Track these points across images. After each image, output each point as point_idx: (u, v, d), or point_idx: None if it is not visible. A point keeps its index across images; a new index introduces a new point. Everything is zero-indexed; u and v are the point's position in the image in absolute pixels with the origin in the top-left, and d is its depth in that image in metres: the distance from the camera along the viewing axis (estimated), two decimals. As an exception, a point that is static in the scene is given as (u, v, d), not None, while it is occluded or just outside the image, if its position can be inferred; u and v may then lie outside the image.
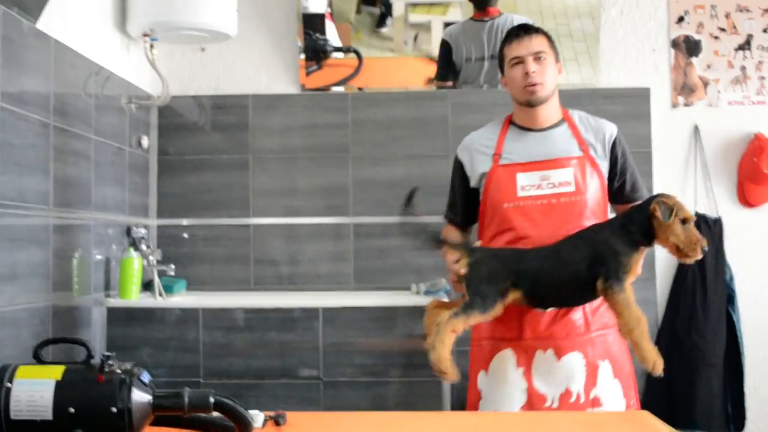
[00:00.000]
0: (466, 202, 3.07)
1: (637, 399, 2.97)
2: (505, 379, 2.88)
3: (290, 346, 3.61)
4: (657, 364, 2.52)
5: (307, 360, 3.59)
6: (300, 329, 3.62)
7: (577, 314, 2.86)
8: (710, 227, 4.22)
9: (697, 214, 4.22)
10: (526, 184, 2.91)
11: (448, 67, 4.39)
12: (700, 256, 2.55)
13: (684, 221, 2.54)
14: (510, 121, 3.03)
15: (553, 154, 2.91)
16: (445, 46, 4.38)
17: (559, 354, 2.85)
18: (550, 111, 2.95)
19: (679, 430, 2.25)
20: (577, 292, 2.65)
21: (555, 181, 2.89)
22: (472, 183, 3.02)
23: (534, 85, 2.88)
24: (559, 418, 2.39)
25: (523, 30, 2.94)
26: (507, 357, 2.89)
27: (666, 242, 2.57)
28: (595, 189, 2.85)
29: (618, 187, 2.95)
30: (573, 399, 2.87)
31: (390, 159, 4.33)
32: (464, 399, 3.95)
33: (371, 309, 3.59)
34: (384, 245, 4.21)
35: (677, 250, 2.57)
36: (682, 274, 4.22)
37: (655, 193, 2.71)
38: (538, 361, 2.83)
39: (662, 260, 4.25)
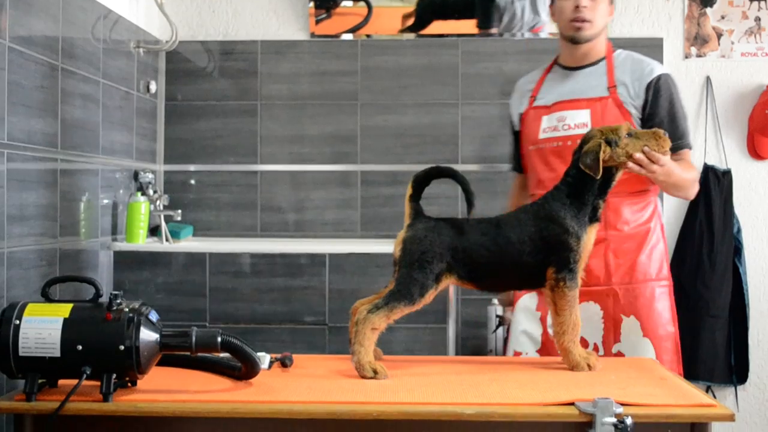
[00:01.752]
0: (515, 146, 3.06)
1: (678, 365, 2.87)
2: (523, 324, 2.91)
3: (296, 292, 3.63)
4: (591, 365, 2.31)
5: (313, 305, 3.61)
6: (306, 275, 3.64)
7: (598, 262, 2.82)
8: (719, 179, 4.21)
9: (707, 165, 4.21)
10: (547, 126, 2.88)
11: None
12: (666, 145, 2.39)
13: (627, 135, 2.34)
14: (555, 61, 3.00)
15: (575, 93, 2.86)
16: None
17: None
18: (592, 50, 2.88)
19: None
20: (522, 279, 2.37)
21: (571, 123, 2.85)
22: (515, 125, 3.02)
23: (582, 21, 2.80)
24: (554, 362, 2.40)
25: None
26: (528, 301, 2.93)
27: (632, 159, 2.35)
28: None
29: None
30: (590, 349, 2.88)
31: (399, 107, 4.32)
32: (469, 346, 4.02)
33: (377, 255, 3.61)
34: (391, 193, 4.24)
35: (644, 159, 2.38)
36: (689, 225, 4.23)
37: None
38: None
39: (669, 210, 4.26)
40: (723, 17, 4.33)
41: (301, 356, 2.50)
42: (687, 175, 2.75)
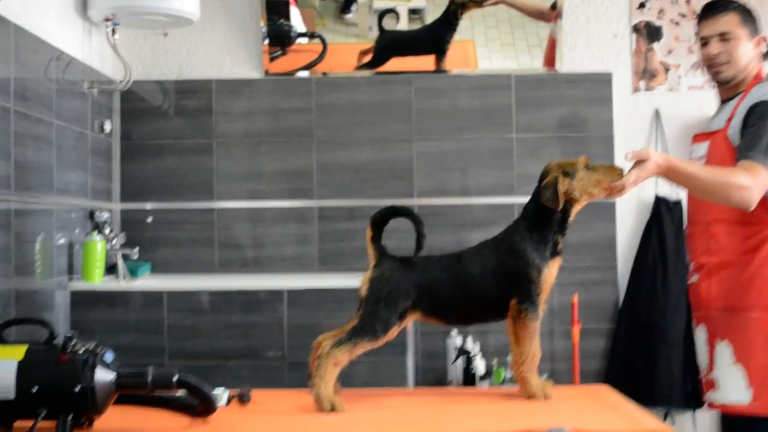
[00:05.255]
0: None
1: None
2: None
3: (255, 328, 3.61)
4: (547, 395, 2.34)
5: (272, 341, 3.60)
6: (265, 311, 3.63)
7: (702, 283, 2.93)
8: (670, 209, 4.26)
9: (658, 198, 4.27)
10: (689, 158, 3.04)
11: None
12: (624, 176, 2.38)
13: (584, 168, 2.35)
14: None
15: (710, 126, 2.97)
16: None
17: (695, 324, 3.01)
18: (741, 83, 2.95)
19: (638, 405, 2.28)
20: (486, 312, 2.39)
21: (696, 156, 2.98)
22: None
23: (719, 65, 2.92)
24: (511, 393, 2.41)
25: (711, 7, 2.95)
26: None
27: (589, 195, 2.36)
28: (725, 165, 2.77)
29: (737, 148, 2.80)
30: (701, 375, 3.00)
31: (354, 143, 4.33)
32: (428, 377, 4.03)
33: (335, 290, 3.61)
34: (348, 228, 4.25)
35: (603, 190, 2.36)
36: (643, 256, 4.27)
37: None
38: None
39: (624, 243, 4.31)
40: (670, 52, 4.42)
41: (261, 391, 2.48)
42: (720, 178, 2.65)
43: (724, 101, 3.01)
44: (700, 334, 3.00)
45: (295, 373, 3.52)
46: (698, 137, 3.06)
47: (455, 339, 4.02)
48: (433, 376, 4.07)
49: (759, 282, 2.83)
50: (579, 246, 4.16)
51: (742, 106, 2.85)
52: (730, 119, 2.86)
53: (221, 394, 2.31)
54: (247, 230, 4.30)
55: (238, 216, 4.31)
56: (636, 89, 4.42)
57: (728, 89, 2.99)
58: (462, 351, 3.95)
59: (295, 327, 3.59)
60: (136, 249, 3.99)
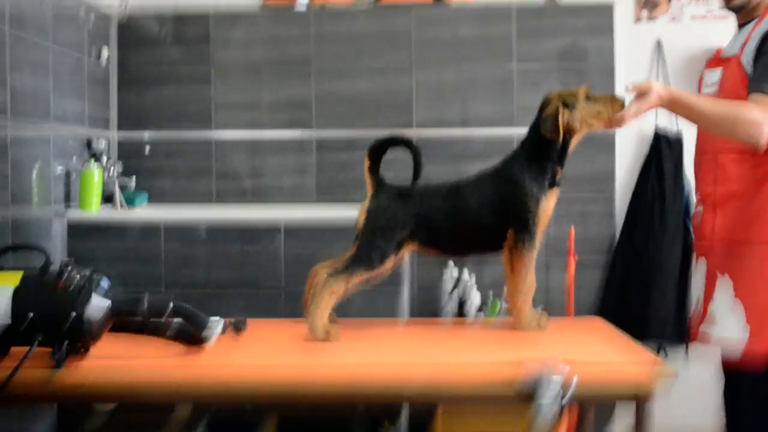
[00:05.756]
0: None
1: None
2: None
3: (252, 258, 3.62)
4: (541, 326, 2.37)
5: (269, 271, 3.61)
6: (262, 242, 3.63)
7: (707, 214, 2.88)
8: (671, 144, 4.23)
9: (658, 130, 4.24)
10: (703, 83, 2.97)
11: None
12: (625, 108, 2.37)
13: (585, 99, 2.35)
14: None
15: (725, 52, 2.88)
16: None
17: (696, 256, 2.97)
18: (755, 8, 2.85)
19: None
20: (483, 242, 2.41)
21: (708, 82, 2.91)
22: None
23: None
24: (506, 324, 2.42)
25: None
26: None
27: (589, 126, 2.36)
28: (737, 94, 2.69)
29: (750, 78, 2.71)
30: (694, 307, 2.97)
31: (353, 73, 4.29)
32: (424, 309, 4.04)
33: (333, 221, 3.60)
34: (346, 159, 4.22)
35: (604, 120, 2.37)
36: (641, 190, 4.26)
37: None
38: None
39: (622, 176, 4.29)
40: (673, -19, 4.36)
41: (256, 320, 2.50)
42: (728, 112, 2.58)
43: (741, 26, 2.95)
44: (699, 267, 2.98)
45: (291, 304, 3.52)
46: (711, 63, 3.00)
47: (451, 270, 4.03)
48: (428, 308, 4.09)
49: (766, 215, 2.77)
50: (577, 178, 4.13)
51: (757, 30, 2.77)
52: (744, 45, 2.80)
53: (216, 323, 2.31)
54: (244, 160, 4.28)
55: (236, 146, 4.28)
56: (638, 19, 4.36)
57: (744, 14, 2.91)
58: (457, 282, 3.96)
59: (292, 258, 3.60)
60: (133, 178, 3.99)
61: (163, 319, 2.10)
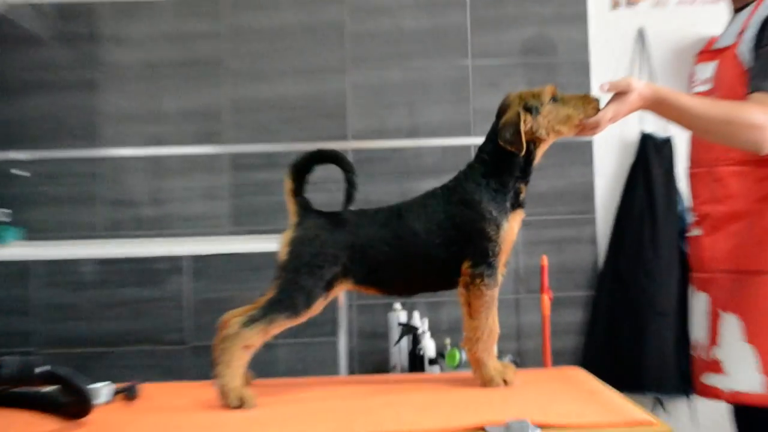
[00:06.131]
0: None
1: None
2: None
3: (150, 305, 3.58)
4: (507, 380, 2.30)
5: (172, 321, 3.56)
6: (163, 284, 3.58)
7: (706, 239, 2.85)
8: (659, 149, 4.25)
9: (644, 135, 4.26)
10: (692, 81, 2.97)
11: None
12: (600, 110, 2.33)
13: (551, 100, 2.31)
14: None
15: (718, 42, 2.86)
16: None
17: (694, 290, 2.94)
18: None
19: (624, 393, 2.26)
20: (433, 279, 2.34)
21: (700, 78, 2.90)
22: None
23: None
24: (465, 379, 2.39)
25: None
26: None
27: (557, 134, 2.33)
28: (735, 92, 2.69)
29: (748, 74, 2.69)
30: (695, 352, 2.92)
31: (274, 74, 4.27)
32: (366, 362, 4.01)
33: (252, 256, 3.58)
34: (267, 179, 4.19)
35: (575, 126, 2.33)
36: (626, 206, 4.27)
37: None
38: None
39: (603, 191, 4.30)
40: (657, -43, 4.40)
41: (154, 385, 2.45)
42: (725, 114, 2.55)
43: (737, 11, 2.95)
44: (699, 303, 2.95)
45: (199, 361, 3.48)
46: (703, 56, 3.00)
47: (399, 314, 4.00)
48: (372, 362, 4.04)
49: None
50: (548, 195, 4.14)
51: (755, 16, 2.77)
52: (741, 33, 2.80)
53: (101, 389, 2.23)
54: (142, 184, 4.22)
55: (131, 166, 4.22)
56: (616, 4, 4.39)
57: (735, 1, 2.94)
58: (408, 329, 3.93)
59: (201, 304, 3.57)
60: (9, 211, 3.91)
61: (31, 388, 2.01)
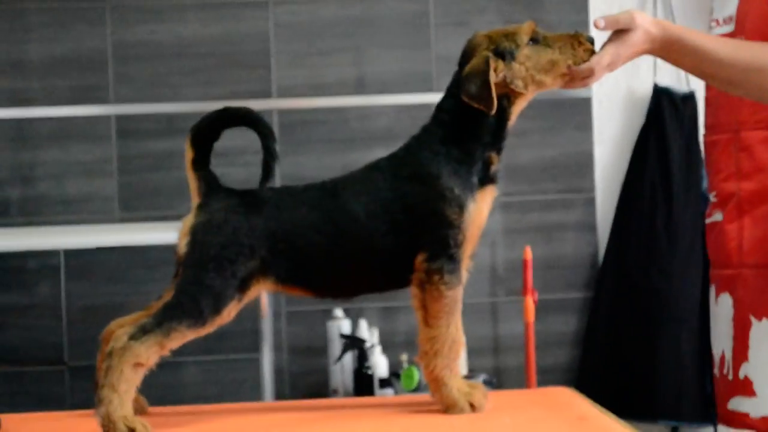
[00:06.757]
0: None
1: None
2: None
3: (17, 315, 3.60)
4: (475, 404, 2.28)
5: (45, 335, 3.58)
6: (34, 286, 3.60)
7: (729, 225, 2.92)
8: (677, 108, 4.30)
9: (657, 89, 4.33)
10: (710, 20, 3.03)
11: None
12: (586, 54, 2.33)
13: (530, 42, 2.28)
14: None
15: None
16: None
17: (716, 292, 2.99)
18: None
19: (631, 422, 2.32)
20: (377, 275, 2.34)
21: (719, 17, 2.97)
22: None
23: None
24: (423, 402, 2.45)
25: None
26: None
27: (538, 85, 2.30)
28: (764, 33, 2.73)
29: None
30: (718, 370, 2.97)
31: (174, 11, 4.30)
32: (299, 384, 4.04)
33: (146, 250, 3.60)
34: (166, 150, 4.23)
35: (562, 74, 2.31)
36: (634, 182, 4.33)
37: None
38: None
39: (605, 163, 4.39)
40: None
41: (20, 416, 2.46)
42: (754, 57, 2.55)
43: None
44: (722, 307, 3.01)
45: (81, 384, 3.51)
46: None
47: (341, 323, 4.03)
48: (306, 384, 4.10)
49: None
50: (532, 168, 4.16)
51: None
52: None
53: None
54: (2, 157, 4.24)
55: (-13, 134, 4.25)
56: None
57: None
58: (352, 342, 3.97)
59: (83, 311, 3.58)
60: None
61: None
